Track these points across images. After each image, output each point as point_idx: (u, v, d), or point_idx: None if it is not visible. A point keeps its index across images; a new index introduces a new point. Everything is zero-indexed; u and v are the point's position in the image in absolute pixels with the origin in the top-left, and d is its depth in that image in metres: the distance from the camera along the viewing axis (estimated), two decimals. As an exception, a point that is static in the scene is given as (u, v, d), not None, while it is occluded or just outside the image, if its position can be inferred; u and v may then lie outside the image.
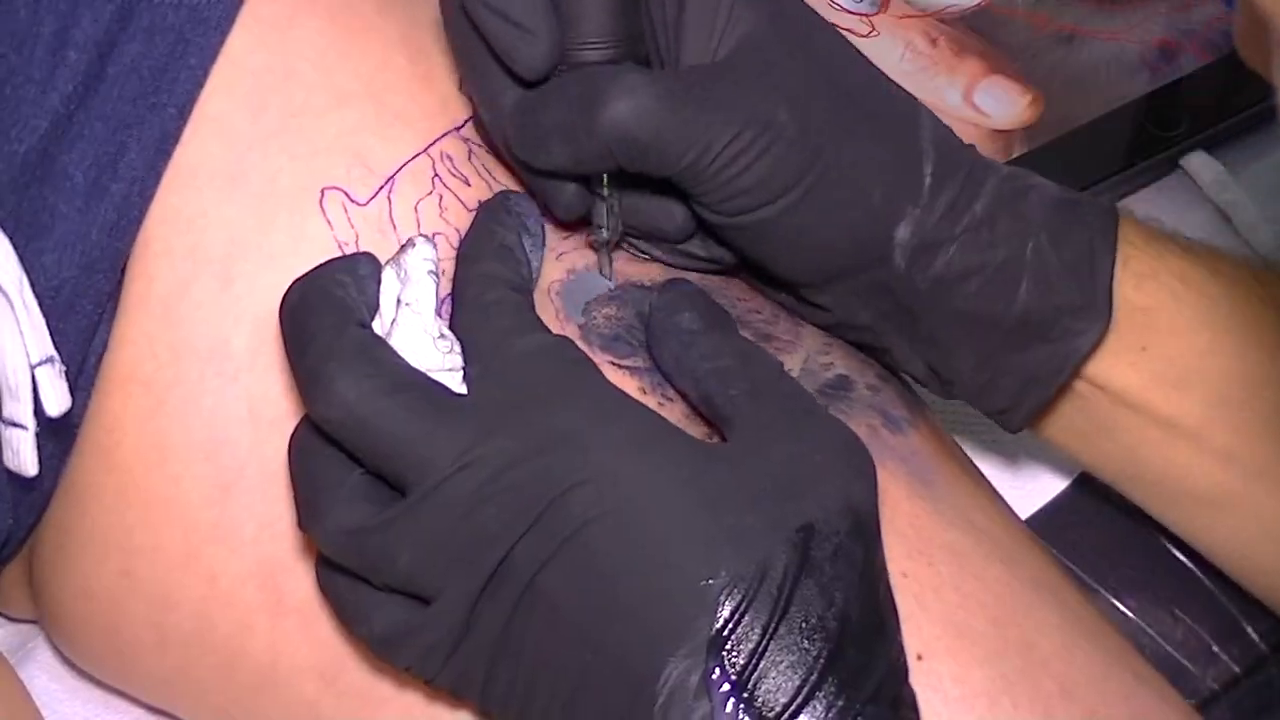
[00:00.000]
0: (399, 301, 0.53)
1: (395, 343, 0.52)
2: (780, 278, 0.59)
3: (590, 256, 0.60)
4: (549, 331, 0.53)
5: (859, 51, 0.59)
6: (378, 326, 0.53)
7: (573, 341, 0.53)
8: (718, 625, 0.48)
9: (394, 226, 0.58)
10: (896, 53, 0.82)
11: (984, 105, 0.82)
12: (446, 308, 0.55)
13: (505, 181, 0.60)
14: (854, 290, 0.58)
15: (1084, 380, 0.60)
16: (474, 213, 0.58)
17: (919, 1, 0.84)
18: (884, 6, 0.84)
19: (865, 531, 0.51)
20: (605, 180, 0.57)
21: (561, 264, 0.59)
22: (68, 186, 0.58)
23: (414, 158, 0.59)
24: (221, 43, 0.59)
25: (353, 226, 0.58)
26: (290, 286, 0.53)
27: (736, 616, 0.48)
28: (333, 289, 0.53)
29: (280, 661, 0.57)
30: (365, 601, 0.52)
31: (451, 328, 0.54)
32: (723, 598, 0.48)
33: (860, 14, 0.83)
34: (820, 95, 0.56)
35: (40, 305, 0.56)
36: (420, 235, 0.55)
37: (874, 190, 0.56)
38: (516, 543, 0.49)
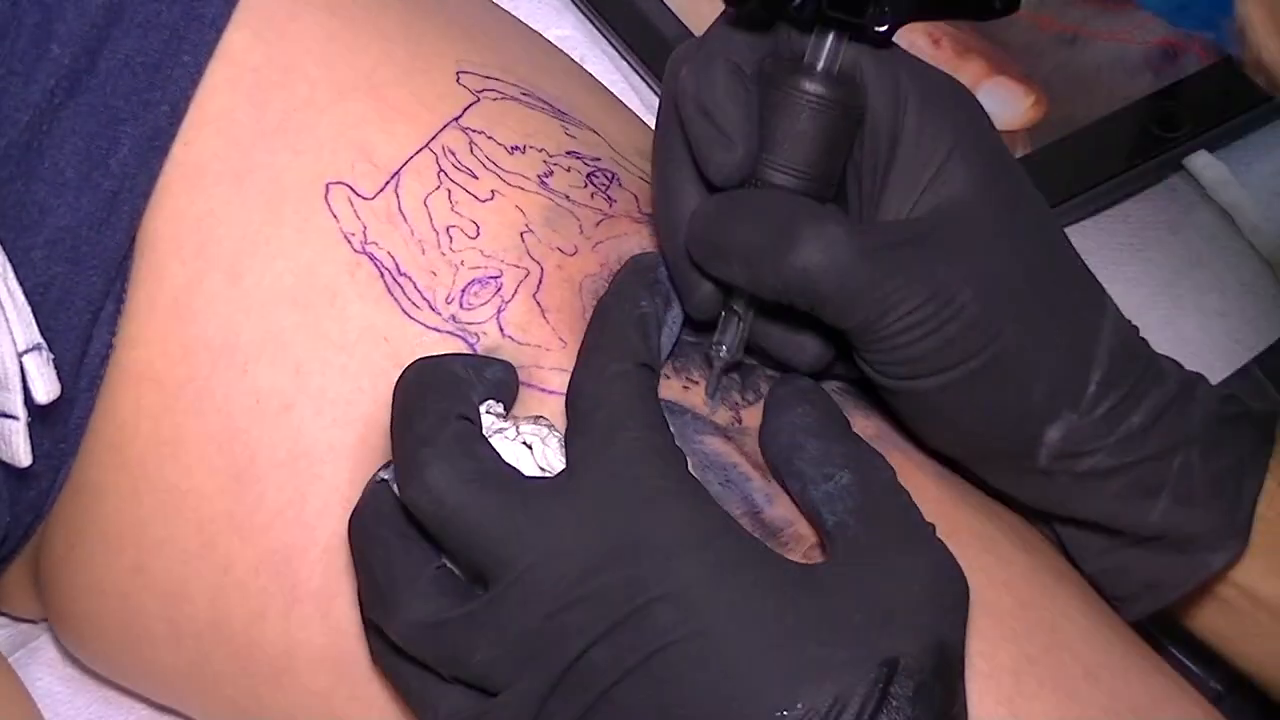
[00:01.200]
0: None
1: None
2: (925, 442, 0.58)
3: (629, 245, 0.59)
4: (664, 424, 0.53)
5: (1062, 232, 0.57)
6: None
7: (680, 451, 0.52)
8: None
9: (404, 218, 0.58)
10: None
11: (987, 106, 0.80)
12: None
13: (512, 170, 0.60)
14: (991, 471, 0.58)
15: (1230, 586, 0.59)
16: (488, 200, 0.57)
17: (922, 3, 0.84)
18: (887, 7, 0.84)
19: (950, 671, 0.50)
20: (746, 298, 0.55)
21: (596, 255, 0.59)
22: (57, 181, 0.58)
23: (417, 153, 0.59)
24: (217, 39, 0.60)
25: (359, 219, 0.58)
26: (409, 366, 0.53)
27: None
28: (448, 374, 0.53)
29: (295, 651, 0.57)
30: (432, 689, 0.52)
31: (570, 386, 0.53)
32: None
33: (863, 15, 0.83)
34: (1010, 280, 0.54)
35: (30, 302, 0.56)
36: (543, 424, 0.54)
37: (1036, 388, 0.55)
38: (594, 648, 0.49)
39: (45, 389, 0.55)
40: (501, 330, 0.57)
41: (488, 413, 0.54)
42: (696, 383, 0.58)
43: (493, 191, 0.59)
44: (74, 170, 0.58)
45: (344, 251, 0.58)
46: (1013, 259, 0.54)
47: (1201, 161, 0.81)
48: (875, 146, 0.55)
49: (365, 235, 0.58)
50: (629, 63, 0.83)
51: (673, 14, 0.83)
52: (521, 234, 0.58)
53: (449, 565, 0.52)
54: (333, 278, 0.57)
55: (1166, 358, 0.58)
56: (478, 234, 0.58)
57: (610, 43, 0.84)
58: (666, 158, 0.56)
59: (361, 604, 0.54)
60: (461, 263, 0.57)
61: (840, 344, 0.56)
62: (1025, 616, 0.55)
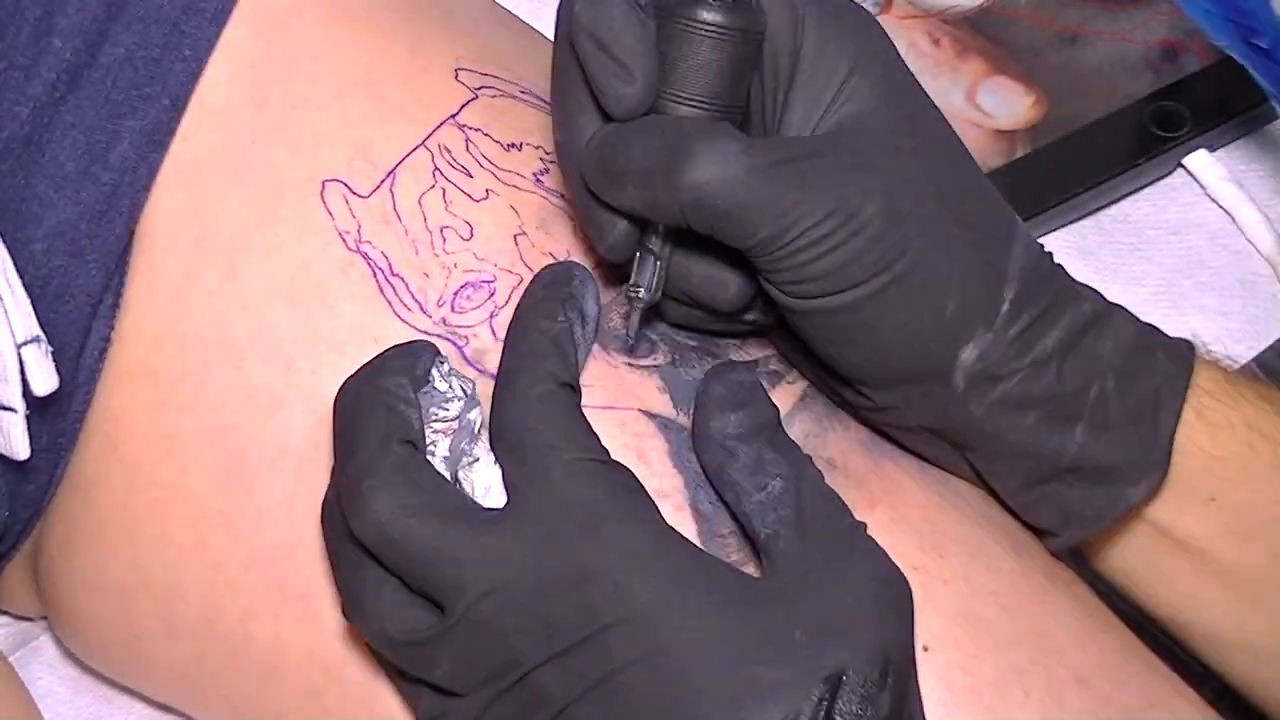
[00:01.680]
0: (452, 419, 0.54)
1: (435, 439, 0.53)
2: (834, 368, 0.56)
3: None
4: (598, 441, 0.52)
5: (967, 152, 0.56)
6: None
7: (620, 464, 0.52)
8: None
9: (399, 218, 0.58)
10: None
11: (987, 106, 0.82)
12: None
13: (508, 168, 0.59)
14: (906, 397, 0.56)
15: (1145, 523, 0.58)
16: (483, 200, 0.57)
17: (922, 2, 0.84)
18: (887, 7, 0.84)
19: (897, 677, 0.50)
20: (660, 233, 0.54)
21: (589, 258, 0.58)
22: (57, 175, 0.58)
23: (413, 151, 0.59)
24: (218, 34, 0.60)
25: (354, 217, 0.58)
26: (345, 383, 0.53)
27: None
28: (385, 396, 0.52)
29: (285, 651, 0.57)
30: (410, 684, 0.53)
31: (494, 412, 0.53)
32: None
33: (863, 14, 0.83)
34: (916, 193, 0.53)
35: (30, 295, 0.56)
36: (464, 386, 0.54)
37: (948, 303, 0.53)
38: (545, 671, 0.49)
39: (44, 381, 0.55)
40: (494, 334, 0.57)
41: (445, 378, 0.54)
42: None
43: (488, 190, 0.59)
44: (74, 164, 0.58)
45: (338, 250, 0.57)
46: (918, 173, 0.53)
47: (1201, 161, 0.81)
48: (775, 69, 0.54)
49: (360, 234, 0.57)
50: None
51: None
52: (515, 237, 0.58)
53: None
54: (325, 276, 0.57)
55: (1086, 285, 0.57)
56: (472, 235, 0.58)
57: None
58: (564, 95, 0.54)
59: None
60: (455, 265, 0.57)
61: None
62: (1012, 625, 0.55)
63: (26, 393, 0.55)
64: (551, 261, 0.57)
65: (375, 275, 0.57)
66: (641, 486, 0.52)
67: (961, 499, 0.58)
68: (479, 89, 0.61)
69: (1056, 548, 0.59)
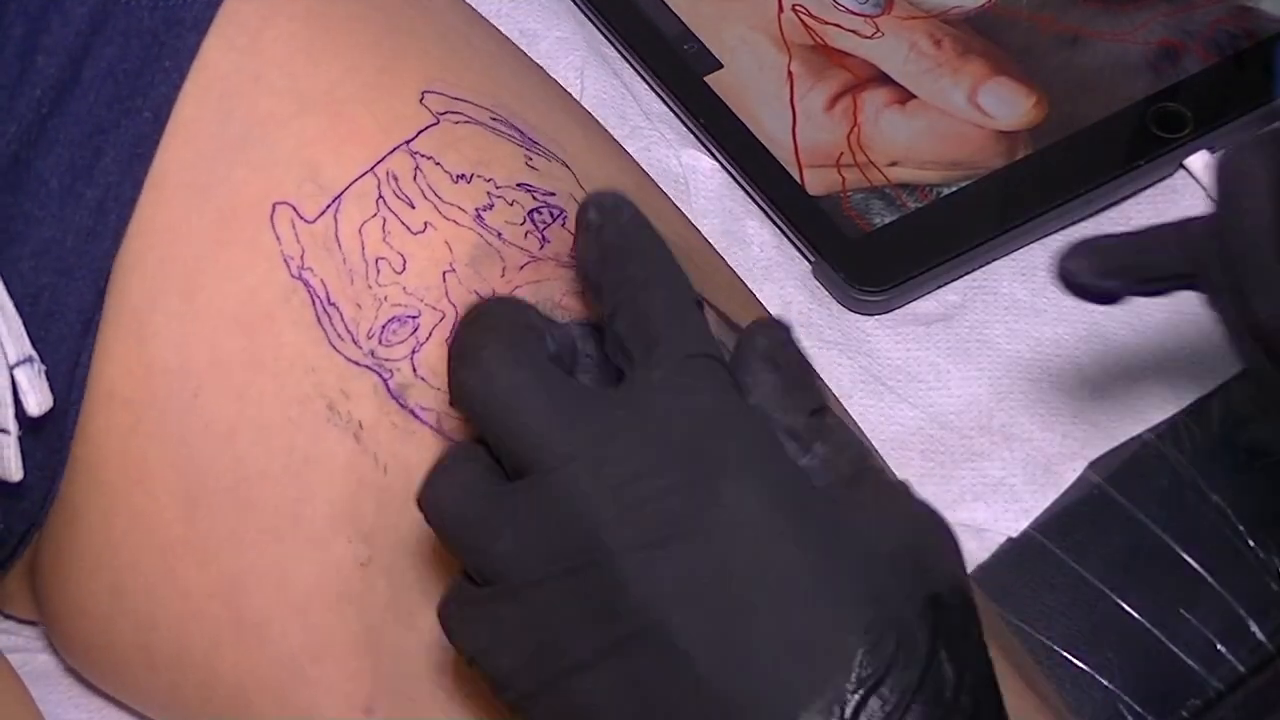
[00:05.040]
0: None
1: None
2: None
3: (547, 291, 0.57)
4: (720, 353, 0.50)
5: None
6: None
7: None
8: (852, 684, 0.45)
9: (339, 245, 0.57)
10: (900, 54, 0.82)
11: (988, 106, 0.82)
12: None
13: (451, 201, 0.58)
14: None
15: None
16: (420, 233, 0.56)
17: (923, 3, 0.84)
18: (888, 8, 0.84)
19: (976, 612, 0.49)
20: None
21: None
22: (42, 192, 0.58)
23: (360, 177, 0.58)
24: (198, 43, 0.59)
25: (299, 242, 0.57)
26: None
27: (875, 679, 0.45)
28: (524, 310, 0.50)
29: (247, 683, 0.56)
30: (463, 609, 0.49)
31: (617, 311, 0.50)
32: (862, 658, 0.45)
33: (864, 15, 0.83)
34: None
35: (20, 313, 0.56)
36: None
37: None
38: (637, 560, 0.46)
39: (37, 401, 0.55)
40: (415, 370, 0.56)
41: None
42: None
43: (426, 223, 0.57)
44: (58, 181, 0.58)
45: (283, 275, 0.57)
46: None
47: (1201, 161, 0.81)
48: None
49: (303, 260, 0.57)
50: (630, 63, 0.83)
51: (673, 14, 0.84)
52: (444, 273, 0.57)
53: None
54: (270, 302, 0.57)
55: None
56: (404, 268, 0.57)
57: (611, 43, 0.84)
58: None
59: None
60: (385, 298, 0.56)
61: None
62: None
63: (20, 414, 0.55)
64: (476, 300, 0.56)
65: (314, 303, 0.56)
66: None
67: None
68: (443, 113, 0.59)
69: None
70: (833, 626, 0.46)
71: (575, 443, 0.47)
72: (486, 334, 0.48)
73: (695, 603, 0.46)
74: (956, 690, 0.46)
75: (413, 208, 0.57)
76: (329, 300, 0.56)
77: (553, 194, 0.59)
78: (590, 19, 0.84)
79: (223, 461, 0.56)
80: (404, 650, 0.54)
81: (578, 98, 0.66)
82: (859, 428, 0.64)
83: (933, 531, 0.50)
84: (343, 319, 0.56)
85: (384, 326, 0.56)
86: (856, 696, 0.45)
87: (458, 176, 0.58)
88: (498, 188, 0.58)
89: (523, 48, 0.74)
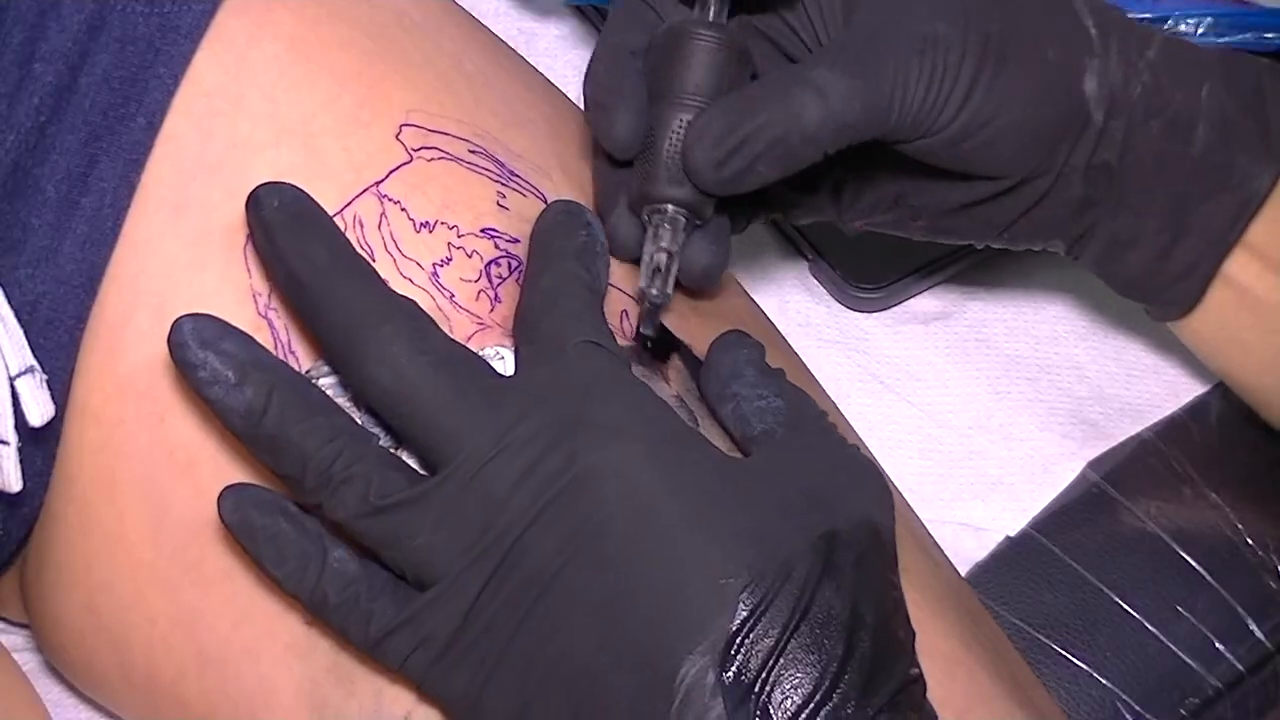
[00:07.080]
0: None
1: None
2: (989, 174, 0.60)
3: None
4: (610, 335, 0.54)
5: None
6: None
7: (624, 357, 0.54)
8: (736, 623, 0.48)
9: None
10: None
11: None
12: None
13: (412, 255, 0.57)
14: (1051, 158, 0.60)
15: (1244, 249, 0.62)
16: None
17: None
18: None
19: (885, 549, 0.51)
20: (684, 228, 0.57)
21: None
22: (39, 201, 0.58)
23: None
24: (193, 51, 0.59)
25: (267, 279, 0.56)
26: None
27: (756, 615, 0.48)
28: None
29: (214, 715, 0.57)
30: (360, 607, 0.51)
31: (519, 303, 0.55)
32: (744, 595, 0.48)
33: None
34: None
35: (19, 321, 0.56)
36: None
37: (1048, 51, 0.59)
38: (534, 530, 0.49)
39: (40, 412, 0.54)
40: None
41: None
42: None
43: (393, 274, 0.57)
44: (54, 189, 0.58)
45: (249, 312, 0.56)
46: None
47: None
48: None
49: (269, 299, 0.56)
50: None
51: (672, 12, 0.83)
52: None
53: (391, 450, 0.53)
54: None
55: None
56: None
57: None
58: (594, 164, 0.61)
59: (300, 488, 0.52)
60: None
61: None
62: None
63: (19, 424, 0.55)
64: None
65: (276, 346, 0.56)
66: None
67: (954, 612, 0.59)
68: (419, 150, 0.59)
69: (1190, 300, 0.63)
70: (710, 569, 0.49)
71: (478, 434, 0.50)
72: (386, 326, 0.52)
73: (589, 560, 0.49)
74: (842, 617, 0.48)
75: (374, 260, 0.56)
76: (290, 347, 0.56)
77: (516, 241, 0.58)
78: (589, 17, 0.84)
79: (184, 492, 0.56)
80: (345, 715, 0.54)
81: (577, 98, 0.65)
82: (849, 424, 0.64)
83: (850, 473, 0.53)
84: (299, 366, 0.56)
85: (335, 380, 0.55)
86: (738, 634, 0.48)
87: (421, 225, 0.58)
88: (460, 236, 0.58)
89: (521, 46, 0.73)
